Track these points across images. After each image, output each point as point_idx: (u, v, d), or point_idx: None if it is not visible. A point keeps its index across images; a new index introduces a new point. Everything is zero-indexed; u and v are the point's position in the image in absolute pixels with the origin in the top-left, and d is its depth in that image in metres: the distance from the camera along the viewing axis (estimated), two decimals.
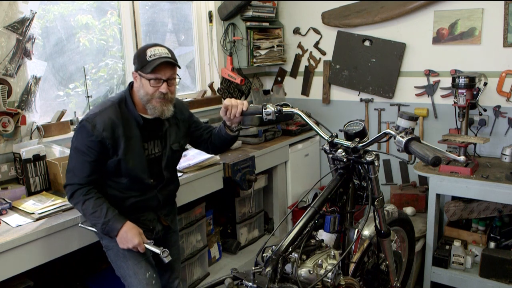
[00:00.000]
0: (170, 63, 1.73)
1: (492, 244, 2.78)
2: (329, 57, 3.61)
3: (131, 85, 1.83)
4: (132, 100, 1.80)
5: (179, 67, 1.79)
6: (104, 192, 1.79)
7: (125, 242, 1.71)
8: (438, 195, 2.74)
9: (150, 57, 1.70)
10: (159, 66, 1.69)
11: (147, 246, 1.72)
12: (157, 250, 1.69)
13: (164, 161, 1.89)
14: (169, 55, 1.74)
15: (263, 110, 1.76)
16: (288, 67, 3.87)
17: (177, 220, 2.17)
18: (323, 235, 1.63)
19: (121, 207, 1.80)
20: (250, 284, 1.28)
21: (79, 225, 1.86)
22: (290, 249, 1.41)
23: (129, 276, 1.82)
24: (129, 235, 1.70)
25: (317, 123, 1.73)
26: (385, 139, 1.58)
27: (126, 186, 1.81)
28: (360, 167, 1.65)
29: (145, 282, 1.81)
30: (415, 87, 3.22)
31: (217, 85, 3.55)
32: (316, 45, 3.66)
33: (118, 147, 1.73)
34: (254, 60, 3.52)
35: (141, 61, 1.72)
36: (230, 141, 2.01)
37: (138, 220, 1.83)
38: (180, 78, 1.84)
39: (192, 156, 2.60)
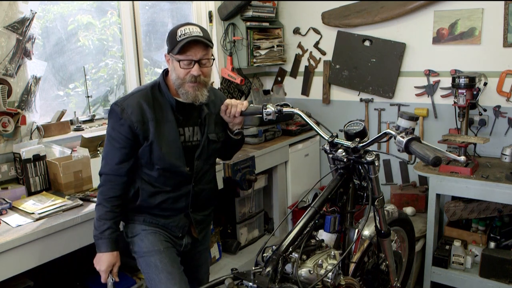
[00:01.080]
0: (201, 42, 1.60)
1: (492, 244, 2.78)
2: (329, 57, 3.61)
3: (165, 71, 1.75)
4: (166, 85, 1.71)
5: (212, 47, 1.66)
6: (135, 186, 1.72)
7: (96, 262, 1.69)
8: (438, 195, 2.74)
9: (180, 36, 1.59)
10: (188, 45, 1.58)
11: (108, 280, 1.71)
12: None
13: (198, 150, 1.76)
14: (201, 34, 1.61)
15: (263, 110, 1.76)
16: (288, 67, 3.87)
17: (209, 235, 2.04)
18: (323, 235, 1.63)
19: (150, 205, 1.73)
20: (250, 284, 1.28)
21: None
22: (290, 249, 1.41)
23: None
24: (103, 259, 1.67)
25: (317, 123, 1.73)
26: (385, 139, 1.58)
27: (159, 178, 1.70)
28: (360, 167, 1.65)
29: None
30: (415, 87, 3.22)
31: (217, 85, 3.55)
32: (316, 45, 3.66)
33: (148, 131, 1.64)
34: (254, 60, 3.51)
35: (171, 42, 1.63)
36: (233, 145, 1.94)
37: (167, 226, 1.77)
38: (214, 59, 1.71)
39: None
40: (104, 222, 1.65)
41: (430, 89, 3.15)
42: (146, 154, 1.67)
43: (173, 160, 1.69)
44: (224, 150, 1.97)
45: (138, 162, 1.70)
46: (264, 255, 1.41)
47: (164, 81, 1.72)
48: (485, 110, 2.76)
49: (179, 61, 1.61)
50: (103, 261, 1.67)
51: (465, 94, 2.62)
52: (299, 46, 3.76)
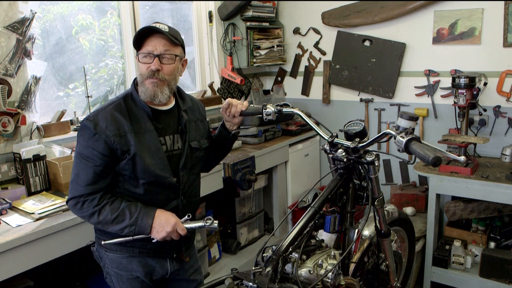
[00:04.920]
0: (160, 35, 1.52)
1: (492, 244, 2.78)
2: (329, 57, 3.61)
3: (136, 80, 1.64)
4: (138, 94, 1.60)
5: (177, 43, 1.57)
6: None
7: (161, 230, 1.51)
8: (438, 195, 2.74)
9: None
10: (148, 38, 1.51)
11: (187, 225, 1.54)
12: (198, 224, 1.50)
13: (182, 160, 1.65)
14: (166, 30, 1.53)
15: (263, 110, 1.75)
16: (288, 67, 3.87)
17: (196, 256, 1.90)
18: (323, 235, 1.63)
19: None
20: (250, 284, 1.28)
21: (103, 243, 1.59)
22: (290, 249, 1.41)
23: None
24: (163, 219, 1.52)
25: (317, 123, 1.73)
26: (385, 139, 1.58)
27: (145, 194, 1.58)
28: (360, 167, 1.65)
29: None
30: (415, 87, 3.22)
31: (217, 85, 3.55)
32: (316, 45, 3.66)
33: (128, 143, 1.52)
34: (254, 60, 3.52)
35: (134, 39, 1.55)
36: (223, 146, 1.87)
37: (159, 250, 1.66)
38: (182, 58, 1.62)
39: None
40: (122, 210, 1.51)
41: (430, 89, 3.15)
42: (128, 168, 1.54)
43: (158, 171, 1.57)
44: (210, 154, 1.85)
45: (119, 179, 1.57)
46: (264, 255, 1.41)
47: (136, 90, 1.61)
48: (485, 110, 2.76)
49: (138, 55, 1.55)
50: (164, 218, 1.52)
51: (465, 94, 2.62)
52: (299, 46, 3.76)
